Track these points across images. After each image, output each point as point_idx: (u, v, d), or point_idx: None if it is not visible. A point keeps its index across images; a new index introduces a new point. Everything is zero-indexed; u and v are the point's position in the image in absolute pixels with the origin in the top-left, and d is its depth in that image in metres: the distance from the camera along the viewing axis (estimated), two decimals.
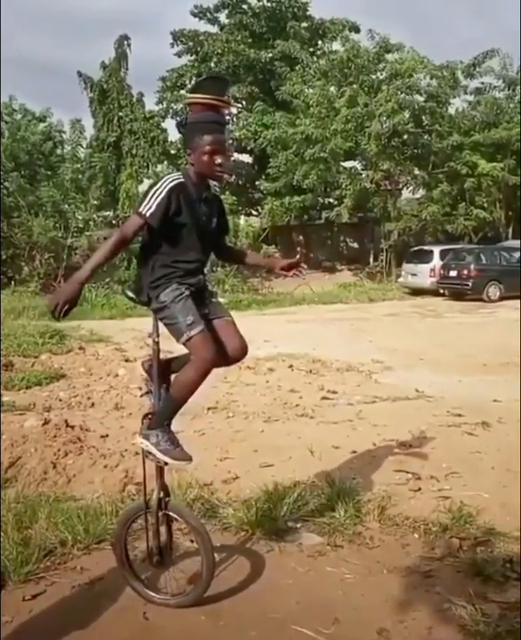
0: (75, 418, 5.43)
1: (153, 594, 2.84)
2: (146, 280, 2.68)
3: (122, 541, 2.89)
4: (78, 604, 2.85)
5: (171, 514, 2.78)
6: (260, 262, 3.26)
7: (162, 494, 2.77)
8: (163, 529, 2.80)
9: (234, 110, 27.20)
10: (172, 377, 2.77)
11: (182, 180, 2.61)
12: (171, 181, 2.57)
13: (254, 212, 27.25)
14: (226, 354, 2.75)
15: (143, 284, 2.70)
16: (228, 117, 22.89)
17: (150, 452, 2.71)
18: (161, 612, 2.76)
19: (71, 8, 58.90)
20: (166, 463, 2.71)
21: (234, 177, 27.03)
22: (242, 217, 25.67)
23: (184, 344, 2.60)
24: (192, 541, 3.05)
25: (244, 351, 2.78)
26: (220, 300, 3.07)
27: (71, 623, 2.69)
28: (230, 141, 24.10)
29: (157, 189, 2.55)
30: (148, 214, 2.52)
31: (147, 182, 22.44)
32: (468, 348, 9.49)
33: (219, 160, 2.61)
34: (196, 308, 2.69)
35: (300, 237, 28.30)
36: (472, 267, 18.36)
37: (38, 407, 6.07)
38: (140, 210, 2.54)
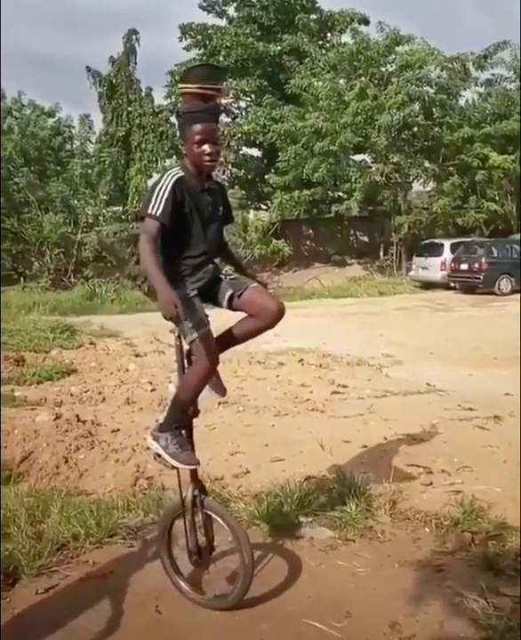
0: (86, 412, 5.44)
1: (197, 595, 2.81)
2: None
3: (165, 540, 2.88)
4: (90, 597, 2.86)
5: (208, 512, 2.75)
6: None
7: (197, 492, 2.74)
8: (200, 527, 2.77)
9: (243, 104, 27.25)
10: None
11: (182, 173, 2.60)
12: (172, 177, 2.57)
13: (263, 206, 27.19)
14: (264, 319, 2.72)
15: None
16: (229, 105, 22.66)
17: (159, 455, 2.72)
18: (173, 605, 2.77)
19: (79, 3, 58.80)
20: (173, 467, 2.71)
21: (243, 171, 27.01)
22: (251, 211, 25.64)
23: (189, 345, 2.60)
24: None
25: (279, 312, 2.71)
26: None
27: (83, 617, 2.71)
28: (222, 131, 23.98)
29: (161, 188, 2.54)
30: (158, 214, 2.51)
31: (156, 177, 22.44)
32: (479, 341, 9.44)
33: (208, 149, 2.58)
34: (212, 297, 2.71)
35: (310, 231, 28.21)
36: (483, 260, 18.25)
37: (50, 402, 6.10)
38: (150, 211, 2.52)
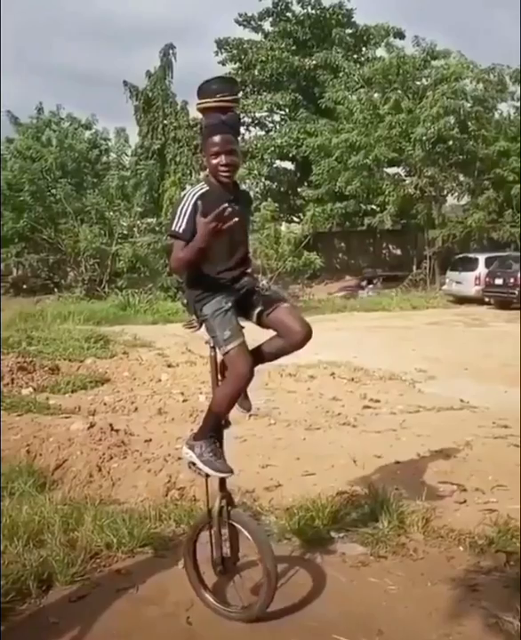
0: (119, 422, 5.49)
1: (220, 606, 2.82)
2: (192, 295, 2.73)
3: (191, 549, 2.90)
4: (122, 607, 2.88)
5: (234, 523, 2.77)
6: None
7: (225, 503, 2.75)
8: (226, 538, 2.79)
9: (276, 117, 27.39)
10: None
11: (205, 188, 2.64)
12: (193, 195, 2.62)
13: (296, 219, 27.28)
14: (290, 340, 2.71)
15: (191, 298, 2.74)
16: (263, 118, 22.64)
17: (193, 463, 2.74)
18: (204, 617, 2.77)
19: (117, 17, 60.06)
20: (208, 475, 2.73)
21: (276, 183, 27.13)
22: (283, 223, 25.73)
23: (223, 356, 2.63)
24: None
25: (306, 334, 2.69)
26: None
27: (115, 627, 2.73)
28: (254, 143, 24.12)
29: (183, 206, 2.60)
30: (180, 231, 2.57)
31: (188, 188, 22.65)
32: (514, 357, 9.25)
33: (223, 160, 2.61)
34: (244, 309, 2.71)
35: (342, 244, 28.22)
36: (519, 275, 18.00)
37: (84, 411, 6.17)
38: (174, 228, 2.59)
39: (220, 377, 2.78)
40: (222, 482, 2.77)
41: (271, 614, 2.75)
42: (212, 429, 2.76)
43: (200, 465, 2.71)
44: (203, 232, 2.48)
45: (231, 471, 2.71)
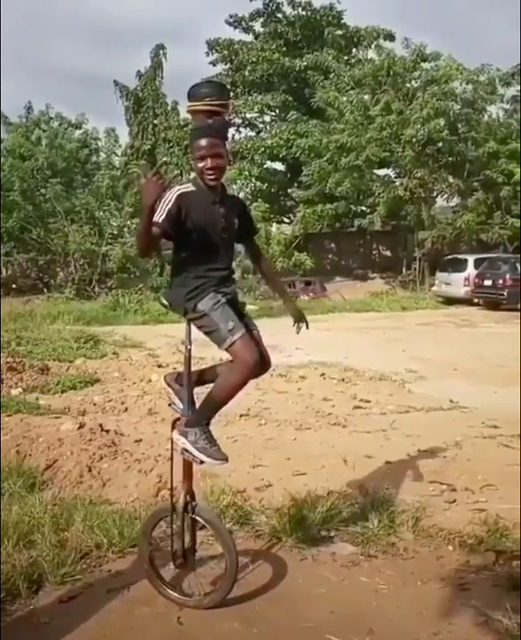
0: (109, 422, 5.49)
1: (174, 593, 2.88)
2: (181, 292, 2.74)
3: (147, 539, 2.96)
4: (113, 607, 2.87)
5: (196, 517, 2.81)
6: (278, 295, 3.34)
7: (188, 498, 2.80)
8: (187, 531, 2.83)
9: (267, 118, 27.37)
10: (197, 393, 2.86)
11: (191, 189, 2.70)
12: (177, 191, 2.67)
13: (286, 220, 27.30)
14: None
15: (179, 296, 2.75)
16: (254, 119, 22.79)
17: (187, 450, 2.73)
18: (195, 618, 2.77)
19: (107, 18, 59.87)
20: (202, 462, 2.73)
21: (266, 184, 27.12)
22: (274, 224, 25.75)
23: (227, 349, 2.63)
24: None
25: (267, 365, 2.85)
26: (252, 307, 3.11)
27: (106, 627, 2.72)
28: (245, 144, 24.24)
29: (166, 199, 2.64)
30: (159, 221, 2.61)
31: None
32: (504, 358, 9.34)
33: (208, 164, 2.66)
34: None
35: (332, 245, 28.25)
36: (508, 276, 18.13)
37: (73, 411, 6.15)
38: (154, 219, 2.62)
39: (189, 383, 2.83)
40: (189, 475, 2.81)
41: (263, 615, 2.76)
42: (208, 417, 2.76)
43: (194, 452, 2.70)
44: (142, 189, 2.58)
45: (226, 459, 2.72)
